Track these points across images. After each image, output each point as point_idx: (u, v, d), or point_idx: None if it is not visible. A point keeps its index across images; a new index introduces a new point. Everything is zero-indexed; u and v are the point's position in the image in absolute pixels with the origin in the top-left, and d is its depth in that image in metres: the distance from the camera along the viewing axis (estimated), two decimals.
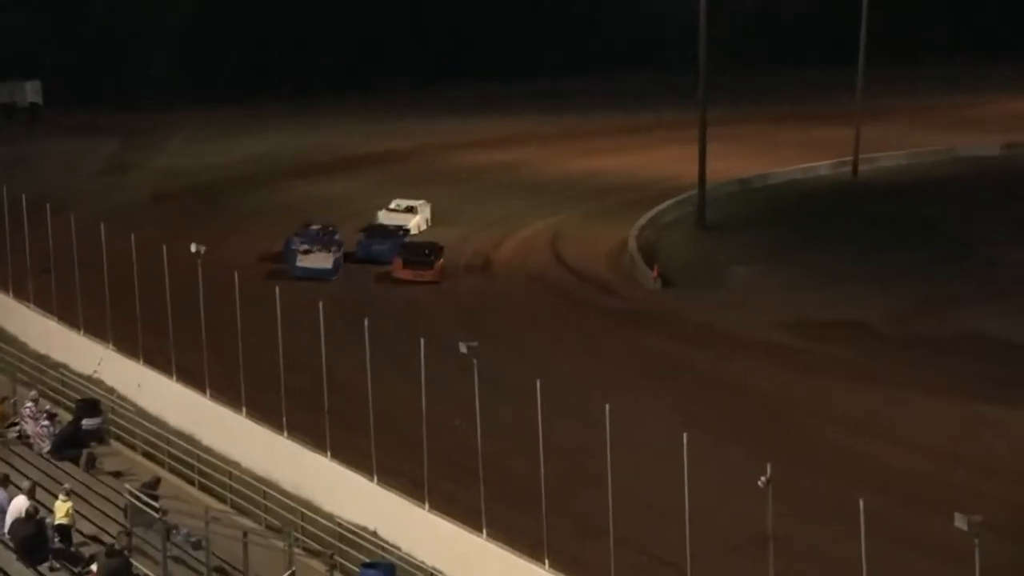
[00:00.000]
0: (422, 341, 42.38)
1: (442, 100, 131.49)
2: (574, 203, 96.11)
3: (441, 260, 78.49)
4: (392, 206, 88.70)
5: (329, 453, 46.45)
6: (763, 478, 34.89)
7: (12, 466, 42.21)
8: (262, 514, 45.28)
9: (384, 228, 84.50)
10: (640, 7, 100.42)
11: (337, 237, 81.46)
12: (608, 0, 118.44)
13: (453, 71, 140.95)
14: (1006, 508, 43.40)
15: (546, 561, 38.86)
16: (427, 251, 78.20)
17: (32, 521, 35.48)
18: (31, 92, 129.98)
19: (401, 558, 42.01)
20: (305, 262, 71.31)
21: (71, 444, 47.88)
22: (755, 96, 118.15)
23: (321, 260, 72.43)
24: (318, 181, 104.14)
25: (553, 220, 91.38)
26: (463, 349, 43.85)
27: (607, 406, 38.97)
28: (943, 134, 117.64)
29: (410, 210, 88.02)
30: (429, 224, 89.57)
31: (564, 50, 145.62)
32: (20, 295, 64.14)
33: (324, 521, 44.66)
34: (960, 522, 33.16)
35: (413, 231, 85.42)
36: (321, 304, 46.23)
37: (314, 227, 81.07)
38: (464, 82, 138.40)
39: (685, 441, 35.60)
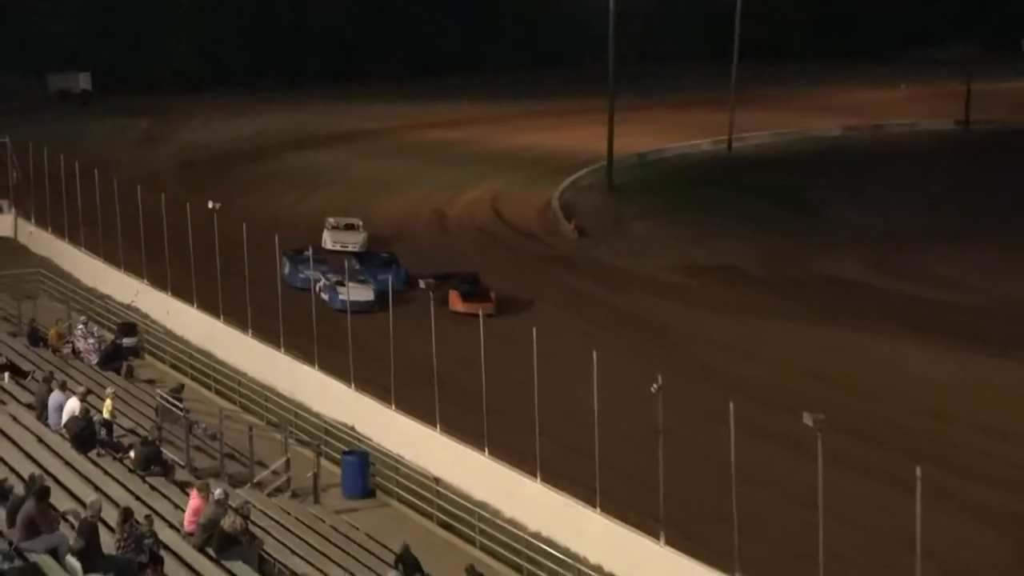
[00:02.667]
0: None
1: (408, 89, 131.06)
2: (511, 171, 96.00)
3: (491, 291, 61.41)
4: (333, 223, 73.36)
5: (316, 365, 46.68)
6: (655, 386, 35.12)
7: (67, 375, 41.99)
8: (264, 413, 45.66)
9: (374, 256, 67.27)
10: (567, 12, 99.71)
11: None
12: (542, 6, 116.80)
13: (417, 65, 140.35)
14: (847, 411, 43.85)
15: (486, 449, 39.36)
16: (471, 282, 61.35)
17: (83, 418, 35.48)
18: (83, 80, 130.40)
19: (373, 448, 42.20)
20: (344, 295, 52.61)
21: (113, 358, 48.20)
22: (654, 86, 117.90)
23: (362, 292, 57.09)
24: (310, 152, 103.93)
25: (494, 184, 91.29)
26: (421, 284, 44.28)
27: (533, 329, 39.28)
28: (798, 118, 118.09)
29: (350, 227, 73.38)
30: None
31: (506, 48, 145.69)
32: (74, 241, 64.32)
33: (312, 419, 44.85)
34: (807, 420, 33.37)
35: (360, 249, 70.20)
36: (311, 249, 46.28)
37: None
38: (426, 74, 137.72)
39: (595, 358, 35.90)
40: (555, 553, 35.71)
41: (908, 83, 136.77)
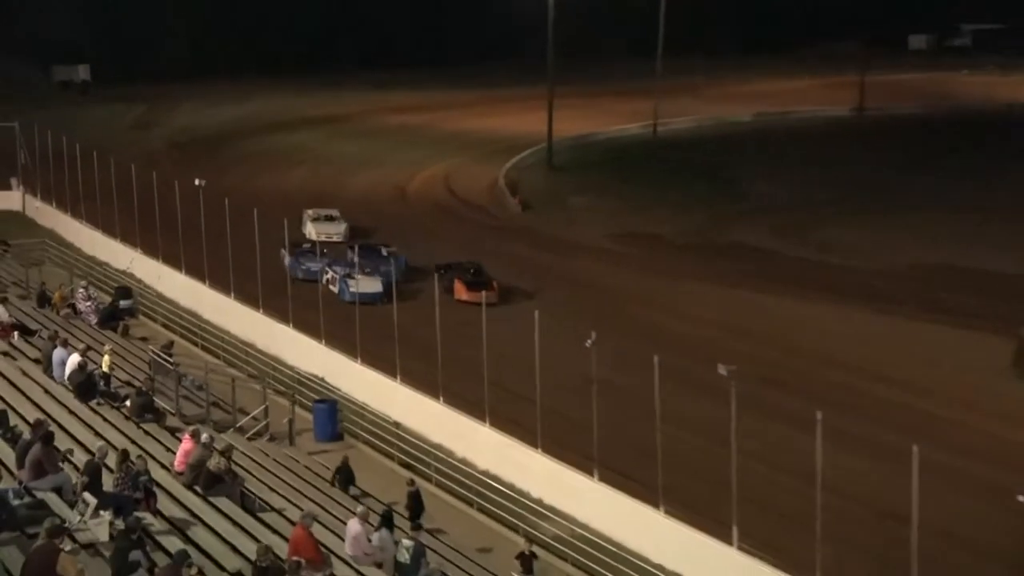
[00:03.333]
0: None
1: (373, 77, 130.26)
2: (462, 152, 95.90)
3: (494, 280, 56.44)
4: (313, 215, 67.20)
5: (291, 324, 46.51)
6: (589, 341, 35.16)
7: (70, 333, 41.91)
8: (245, 366, 45.46)
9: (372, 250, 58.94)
10: (516, 8, 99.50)
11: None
12: (493, 4, 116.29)
13: (382, 56, 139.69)
14: (756, 362, 43.82)
15: (440, 397, 39.42)
16: (473, 270, 56.60)
17: (84, 371, 35.33)
18: (83, 72, 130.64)
19: (341, 396, 42.12)
20: (355, 287, 50.73)
21: (111, 318, 48.07)
22: (591, 77, 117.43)
23: (371, 284, 52.05)
24: (286, 134, 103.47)
25: (448, 163, 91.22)
26: (384, 252, 44.25)
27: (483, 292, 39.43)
28: (716, 106, 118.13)
29: (330, 218, 67.18)
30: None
31: (461, 42, 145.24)
32: (75, 214, 64.00)
33: (288, 371, 44.72)
34: (721, 370, 33.39)
35: (342, 238, 65.01)
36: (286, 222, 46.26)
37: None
38: (390, 64, 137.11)
39: (536, 316, 35.92)
40: (502, 488, 35.88)
41: (812, 74, 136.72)
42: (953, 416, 41.48)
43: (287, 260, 56.84)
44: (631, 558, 32.38)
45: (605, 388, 36.11)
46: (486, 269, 57.31)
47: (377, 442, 39.97)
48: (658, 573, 31.68)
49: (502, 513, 35.54)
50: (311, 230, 65.33)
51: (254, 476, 31.89)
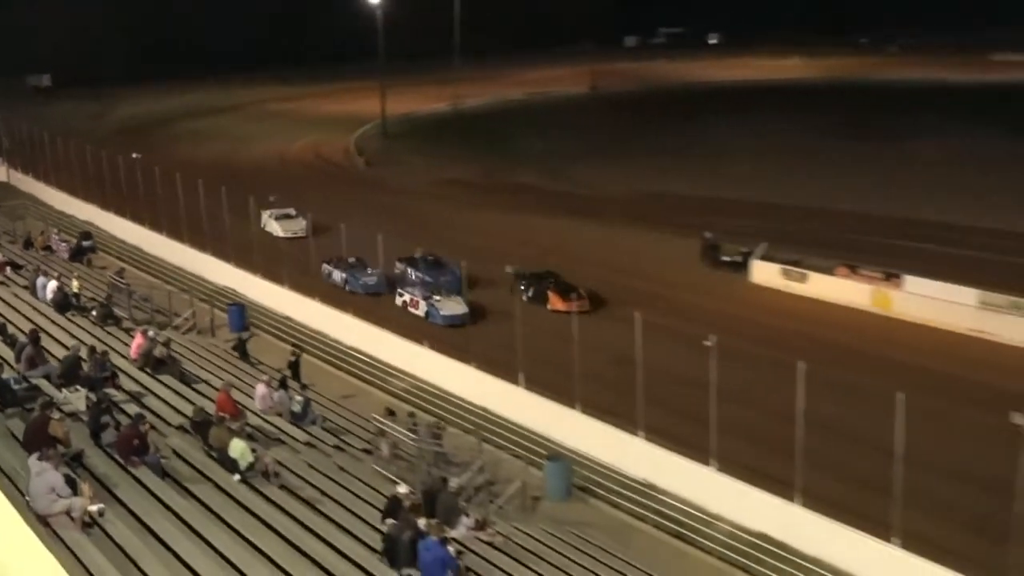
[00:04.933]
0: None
1: (262, 77, 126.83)
2: (323, 128, 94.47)
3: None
4: (274, 214, 53.49)
5: (233, 263, 45.18)
6: (418, 252, 35.29)
7: (49, 266, 40.56)
8: (176, 283, 44.49)
9: (431, 260, 44.74)
10: (365, 18, 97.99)
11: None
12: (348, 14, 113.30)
13: (261, 60, 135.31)
14: (537, 263, 44.41)
15: (317, 298, 39.00)
16: (553, 280, 43.00)
17: (60, 292, 34.28)
18: (45, 80, 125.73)
19: (248, 301, 41.56)
20: (445, 310, 39.23)
21: (78, 254, 46.44)
22: (417, 71, 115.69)
23: (456, 306, 39.21)
24: (201, 120, 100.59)
25: (314, 137, 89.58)
26: (271, 199, 43.31)
27: (342, 225, 39.05)
28: (500, 89, 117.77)
29: (288, 216, 53.40)
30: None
31: (320, 47, 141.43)
32: (47, 182, 61.76)
33: (209, 285, 44.02)
34: (508, 269, 33.87)
35: (305, 233, 48.16)
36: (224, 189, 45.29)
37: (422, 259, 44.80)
38: (272, 66, 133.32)
39: (380, 239, 35.84)
40: (361, 356, 35.93)
41: (562, 65, 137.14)
42: (667, 293, 42.14)
43: (336, 275, 44.17)
44: (452, 398, 32.76)
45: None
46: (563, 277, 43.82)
47: (272, 330, 39.77)
48: (470, 407, 32.07)
49: (361, 373, 35.72)
50: (276, 228, 52.66)
51: (188, 359, 31.44)
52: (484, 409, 31.67)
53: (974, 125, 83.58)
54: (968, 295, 39.83)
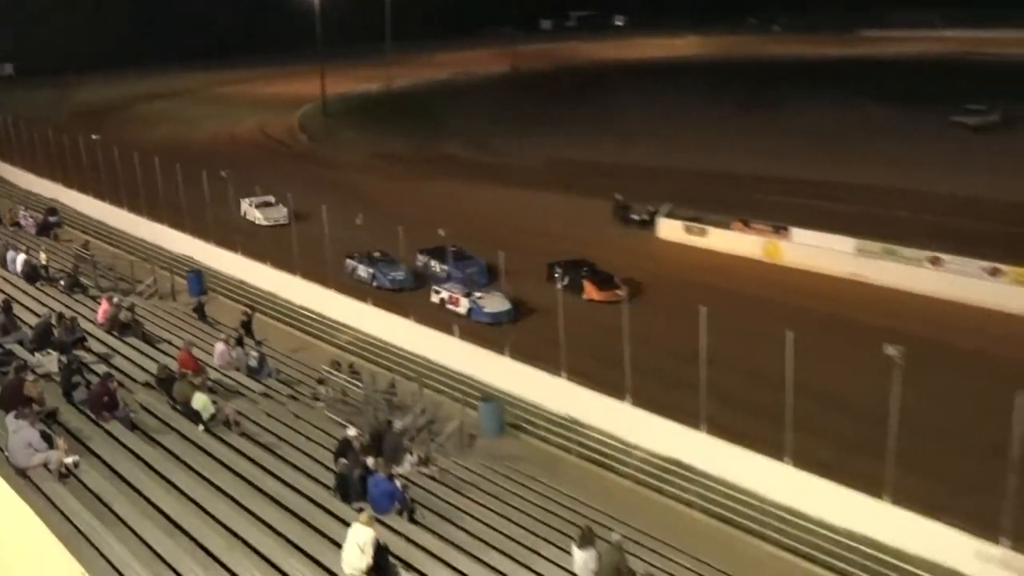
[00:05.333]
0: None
1: (208, 64, 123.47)
2: (268, 109, 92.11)
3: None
4: (254, 202, 48.77)
5: (167, 223, 44.52)
6: (358, 219, 35.09)
7: (18, 240, 39.44)
8: (138, 252, 43.46)
9: (454, 252, 39.74)
10: (303, 10, 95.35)
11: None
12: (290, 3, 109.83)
13: (213, 47, 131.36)
14: (464, 228, 43.60)
15: (268, 262, 38.44)
16: (587, 268, 38.49)
17: (29, 264, 33.50)
18: (7, 69, 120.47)
19: (205, 267, 40.93)
20: (489, 307, 34.82)
21: (44, 228, 45.13)
22: (354, 55, 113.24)
23: (499, 303, 34.95)
24: (161, 103, 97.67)
25: (261, 117, 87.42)
26: (223, 174, 42.44)
27: (288, 195, 38.57)
28: (425, 71, 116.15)
29: (268, 204, 48.90)
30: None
31: (266, 35, 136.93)
32: (13, 163, 59.61)
33: (168, 254, 43.16)
34: (440, 232, 33.83)
35: (286, 221, 45.10)
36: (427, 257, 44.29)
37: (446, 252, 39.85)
38: (221, 53, 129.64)
39: (324, 209, 35.50)
40: (310, 313, 35.72)
41: (484, 48, 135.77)
42: (583, 250, 42.14)
43: (362, 271, 39.57)
44: (393, 348, 32.75)
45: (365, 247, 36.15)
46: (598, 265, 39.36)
47: (229, 293, 39.28)
48: (409, 356, 32.09)
49: (309, 329, 35.52)
50: (257, 216, 48.19)
51: (151, 322, 30.94)
52: (423, 358, 31.76)
53: (849, 94, 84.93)
54: (847, 244, 40.85)
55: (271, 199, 49.69)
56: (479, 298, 35.52)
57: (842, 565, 21.38)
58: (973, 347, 31.34)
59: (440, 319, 33.49)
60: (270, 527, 16.34)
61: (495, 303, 35.20)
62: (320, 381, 27.01)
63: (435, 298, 36.60)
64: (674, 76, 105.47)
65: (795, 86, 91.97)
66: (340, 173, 63.10)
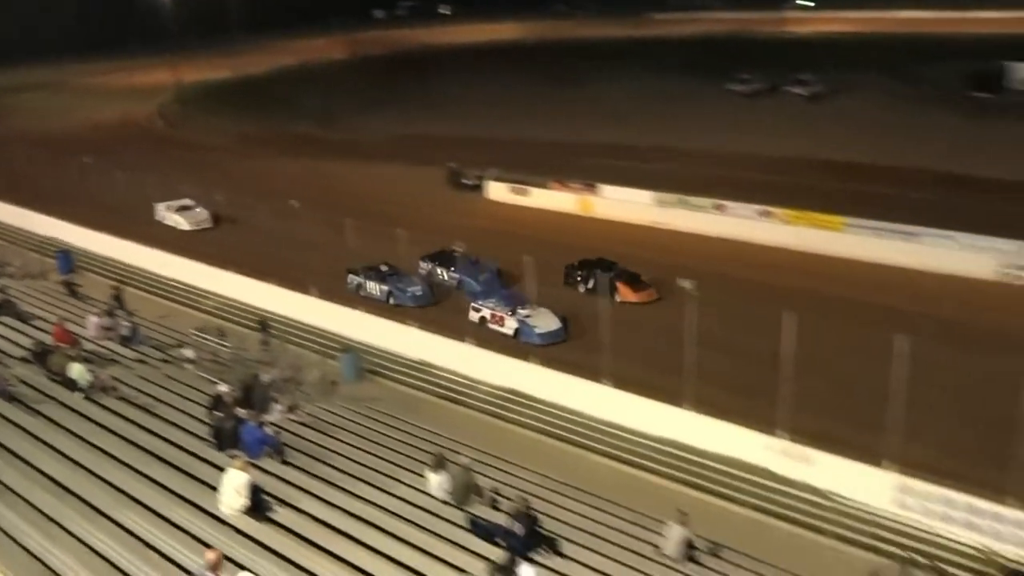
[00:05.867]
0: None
1: (66, 57, 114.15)
2: (131, 98, 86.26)
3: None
4: (174, 206, 41.87)
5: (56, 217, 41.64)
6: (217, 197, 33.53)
7: None
8: (12, 238, 40.49)
9: (460, 258, 33.45)
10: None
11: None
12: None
13: (69, 42, 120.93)
14: (322, 200, 41.82)
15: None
16: (616, 271, 31.80)
17: None
18: None
19: (73, 248, 38.54)
20: (541, 326, 28.08)
21: None
22: (205, 44, 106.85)
23: (550, 320, 28.38)
24: (26, 94, 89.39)
25: (122, 106, 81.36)
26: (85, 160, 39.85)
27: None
28: (271, 58, 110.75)
29: (187, 208, 41.87)
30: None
31: (129, 27, 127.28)
32: None
33: (40, 237, 40.44)
34: (293, 203, 32.78)
35: (209, 224, 41.28)
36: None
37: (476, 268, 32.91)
38: (76, 50, 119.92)
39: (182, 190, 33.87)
40: (175, 282, 34.23)
41: (326, 36, 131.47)
42: (420, 212, 41.97)
43: (372, 287, 31.95)
44: (256, 310, 31.80)
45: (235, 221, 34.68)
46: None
47: (100, 270, 37.18)
48: (272, 316, 31.28)
49: (175, 297, 34.13)
50: (179, 221, 41.40)
51: (24, 301, 29.07)
52: (285, 316, 31.04)
53: (643, 70, 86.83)
54: (646, 196, 42.14)
55: (189, 202, 42.42)
56: (527, 316, 28.48)
57: (656, 466, 22.38)
58: (750, 276, 32.89)
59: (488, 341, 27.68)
60: (153, 480, 15.76)
61: (546, 321, 28.33)
62: (186, 344, 26.04)
63: (474, 316, 29.44)
64: (497, 58, 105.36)
65: (599, 64, 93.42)
66: (202, 155, 60.05)
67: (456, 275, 32.73)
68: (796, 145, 51.04)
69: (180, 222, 41.49)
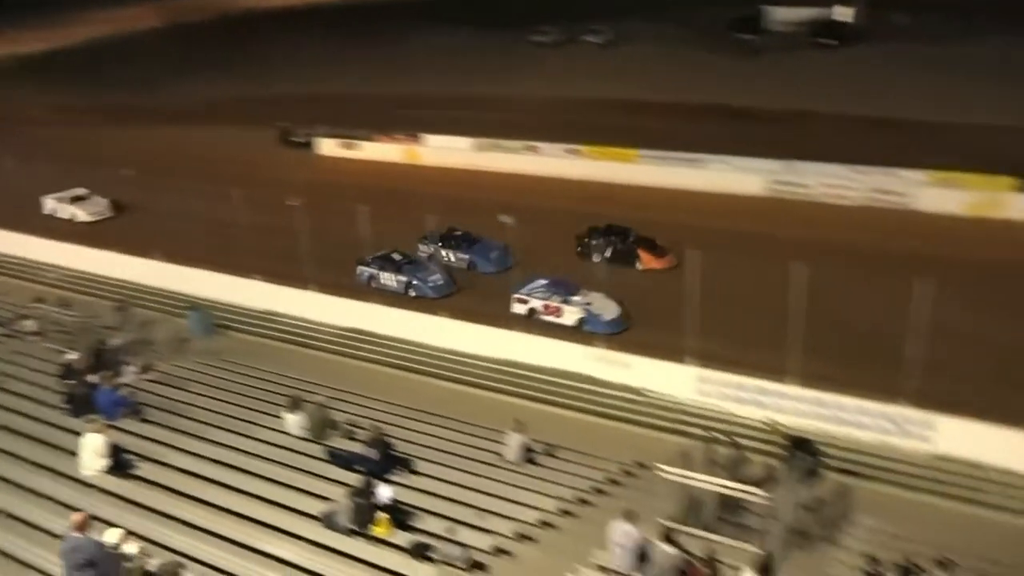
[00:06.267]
0: None
1: None
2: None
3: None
4: (66, 197, 35.70)
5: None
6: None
7: None
8: None
9: (462, 236, 29.01)
10: None
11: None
12: None
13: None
14: (151, 166, 38.79)
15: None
16: (632, 236, 27.90)
17: None
18: None
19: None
20: (607, 313, 23.52)
21: None
22: (12, 19, 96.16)
23: (612, 307, 23.73)
24: None
25: None
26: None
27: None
28: (80, 29, 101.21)
29: (81, 198, 35.69)
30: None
31: None
32: None
33: None
34: (127, 171, 30.59)
35: (109, 213, 35.26)
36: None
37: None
38: None
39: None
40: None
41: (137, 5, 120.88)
42: (253, 170, 39.48)
43: (386, 279, 27.10)
44: (100, 278, 29.67)
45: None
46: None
47: None
48: (115, 282, 29.29)
49: (11, 271, 31.22)
50: (76, 213, 35.10)
51: None
52: (127, 281, 29.15)
53: (458, 25, 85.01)
54: (464, 142, 42.18)
55: (81, 191, 36.02)
56: (587, 304, 23.92)
57: (493, 384, 22.83)
58: (561, 207, 33.57)
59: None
60: (9, 453, 14.58)
61: (608, 308, 23.96)
62: (25, 316, 23.97)
63: (519, 308, 24.65)
64: (311, 19, 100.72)
65: (410, 23, 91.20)
66: (22, 128, 54.49)
67: (465, 255, 28.30)
68: (595, 87, 52.15)
69: (77, 214, 35.37)
